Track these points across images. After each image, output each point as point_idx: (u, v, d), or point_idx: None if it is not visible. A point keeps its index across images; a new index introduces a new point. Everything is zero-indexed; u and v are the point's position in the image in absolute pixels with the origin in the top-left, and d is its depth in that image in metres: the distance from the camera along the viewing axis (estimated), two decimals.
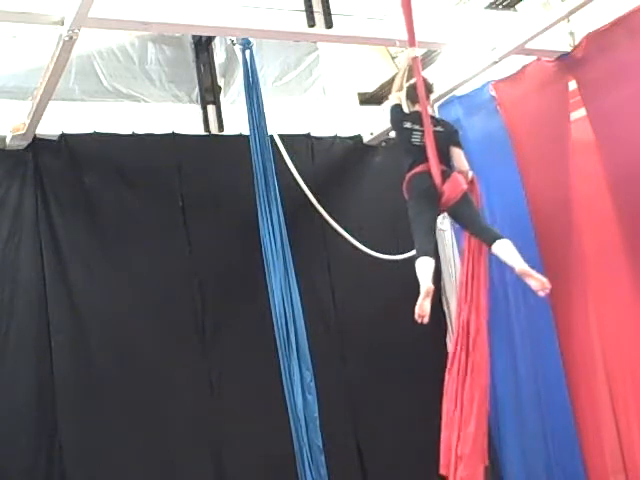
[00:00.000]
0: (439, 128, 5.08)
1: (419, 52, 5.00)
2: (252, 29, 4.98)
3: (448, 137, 5.15)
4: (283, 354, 5.16)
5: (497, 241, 4.75)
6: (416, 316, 4.59)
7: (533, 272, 4.58)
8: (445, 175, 4.93)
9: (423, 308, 4.54)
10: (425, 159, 4.90)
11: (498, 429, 6.75)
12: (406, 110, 5.25)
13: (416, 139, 4.99)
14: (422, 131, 4.94)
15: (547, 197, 6.02)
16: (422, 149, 4.92)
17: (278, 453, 5.54)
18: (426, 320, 4.60)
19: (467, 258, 5.44)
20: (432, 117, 5.09)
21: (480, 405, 5.25)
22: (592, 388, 5.92)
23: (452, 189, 4.91)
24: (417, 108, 5.11)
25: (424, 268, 4.65)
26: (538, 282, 4.53)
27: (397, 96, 5.23)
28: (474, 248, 5.35)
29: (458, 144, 5.23)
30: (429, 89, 5.26)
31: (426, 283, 4.58)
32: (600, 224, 5.77)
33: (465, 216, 5.04)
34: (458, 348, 5.35)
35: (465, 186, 5.00)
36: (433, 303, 7.00)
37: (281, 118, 6.23)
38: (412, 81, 5.14)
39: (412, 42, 4.85)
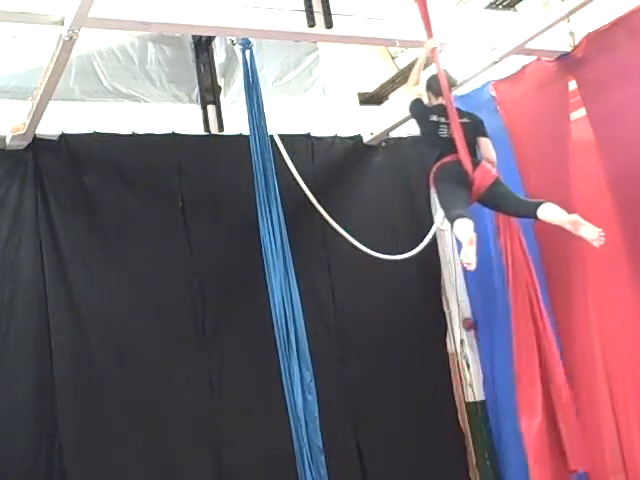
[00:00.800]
0: (465, 119, 5.03)
1: (437, 43, 4.93)
2: (252, 29, 4.98)
3: (474, 128, 5.10)
4: (283, 354, 5.15)
5: (540, 207, 4.65)
6: (464, 264, 4.55)
7: (586, 222, 4.48)
8: (474, 164, 4.88)
9: (468, 255, 4.44)
10: (453, 151, 4.86)
11: (498, 429, 6.77)
12: (426, 102, 5.19)
13: (443, 132, 4.95)
14: (448, 123, 4.90)
15: (547, 197, 5.96)
16: (449, 141, 4.88)
17: (278, 453, 5.53)
18: (473, 267, 4.50)
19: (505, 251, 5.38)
20: (457, 109, 5.04)
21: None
22: (592, 388, 5.91)
23: (483, 176, 4.86)
24: (440, 101, 5.07)
25: (461, 226, 4.53)
26: (592, 231, 4.44)
27: (415, 91, 5.16)
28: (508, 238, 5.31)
29: (485, 134, 5.17)
30: (452, 81, 5.22)
31: (467, 234, 4.45)
32: (600, 224, 5.70)
33: (500, 195, 4.90)
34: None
35: (495, 173, 4.93)
36: (433, 303, 7.15)
37: (281, 118, 6.22)
38: (433, 73, 5.08)
39: (429, 33, 4.82)
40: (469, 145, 4.91)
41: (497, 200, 4.96)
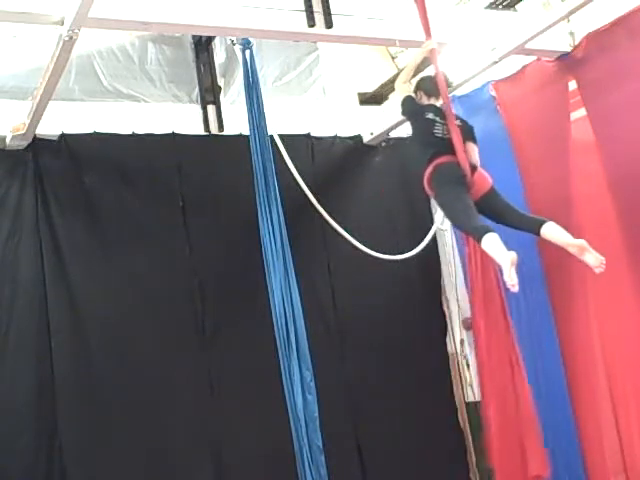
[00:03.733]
0: (459, 122, 4.96)
1: (436, 44, 4.87)
2: (252, 29, 4.97)
3: (467, 132, 5.01)
4: (283, 354, 5.15)
5: (544, 225, 4.57)
6: (508, 286, 4.40)
7: (591, 249, 4.41)
8: (472, 168, 4.81)
9: (512, 277, 4.30)
10: (448, 151, 4.77)
11: None
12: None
13: (438, 131, 4.86)
14: (444, 123, 4.84)
15: (547, 197, 6.01)
16: (445, 141, 4.80)
17: (278, 453, 5.53)
18: (516, 289, 4.37)
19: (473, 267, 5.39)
20: None
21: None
22: (592, 388, 5.91)
23: (481, 181, 4.81)
24: (432, 101, 5.02)
25: (494, 243, 4.41)
26: (596, 259, 4.39)
27: (406, 88, 5.09)
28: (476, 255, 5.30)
29: (475, 140, 5.08)
30: (448, 83, 5.18)
31: (506, 254, 4.31)
32: (600, 224, 5.76)
33: (500, 207, 4.83)
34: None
35: (491, 181, 4.88)
36: (433, 304, 7.15)
37: (281, 118, 6.21)
38: (425, 74, 5.05)
39: (428, 33, 4.78)
40: None
41: (497, 210, 4.85)
